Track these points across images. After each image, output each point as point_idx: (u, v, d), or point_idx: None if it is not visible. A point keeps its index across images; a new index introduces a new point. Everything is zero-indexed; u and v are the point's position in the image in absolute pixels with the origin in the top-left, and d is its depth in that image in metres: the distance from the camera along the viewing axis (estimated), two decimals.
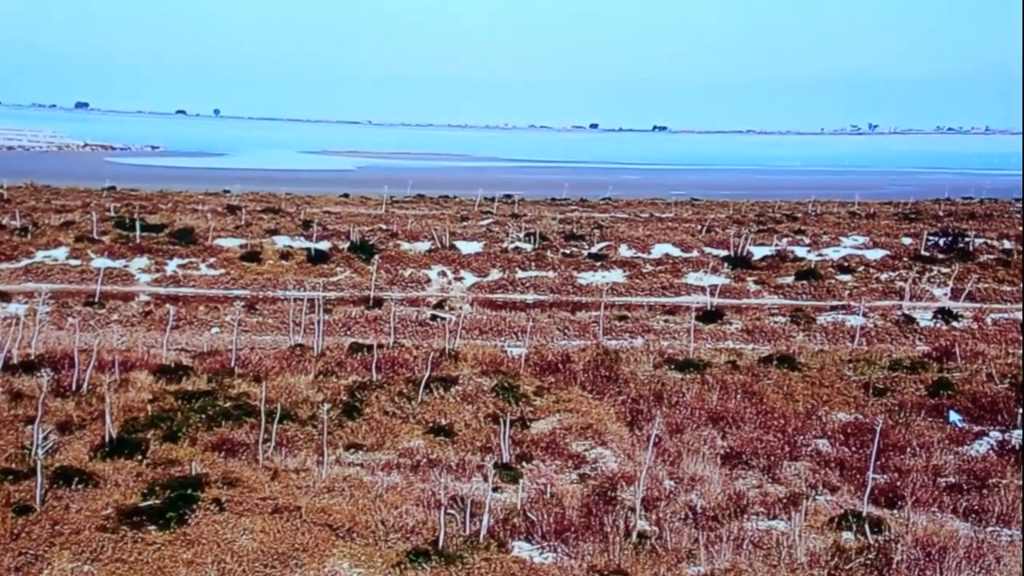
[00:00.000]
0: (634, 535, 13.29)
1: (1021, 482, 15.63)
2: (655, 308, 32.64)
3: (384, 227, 44.28)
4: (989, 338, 28.40)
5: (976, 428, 18.66)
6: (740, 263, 38.31)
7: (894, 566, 12.62)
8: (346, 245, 39.34)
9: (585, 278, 36.67)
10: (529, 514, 13.80)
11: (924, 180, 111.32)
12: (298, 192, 63.55)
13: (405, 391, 19.29)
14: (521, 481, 15.11)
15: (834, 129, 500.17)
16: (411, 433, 17.42)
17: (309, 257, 37.51)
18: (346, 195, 63.01)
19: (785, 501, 14.77)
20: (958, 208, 61.96)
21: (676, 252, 40.36)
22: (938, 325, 30.17)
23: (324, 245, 39.28)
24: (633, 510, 13.92)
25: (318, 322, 25.18)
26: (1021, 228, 47.06)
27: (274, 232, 41.71)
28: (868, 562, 12.84)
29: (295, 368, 21.37)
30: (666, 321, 30.33)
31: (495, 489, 14.60)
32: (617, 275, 37.13)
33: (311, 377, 20.54)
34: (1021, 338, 27.94)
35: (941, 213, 57.54)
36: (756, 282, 36.41)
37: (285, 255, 37.73)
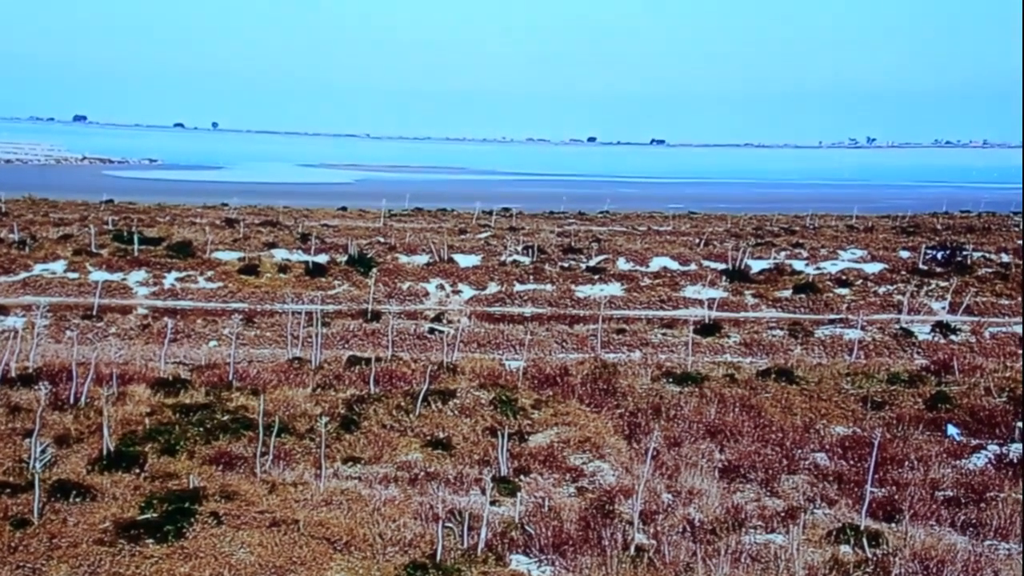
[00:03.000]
0: (632, 548, 13.28)
1: (1021, 495, 15.62)
2: (653, 321, 32.64)
3: (382, 240, 44.31)
4: (987, 352, 28.41)
5: (974, 442, 18.67)
6: (738, 276, 38.32)
7: None
8: (344, 258, 39.35)
9: (583, 291, 36.66)
10: (527, 527, 13.79)
11: (922, 193, 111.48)
12: (296, 205, 63.60)
13: (403, 404, 19.30)
14: (519, 494, 15.11)
15: (832, 142, 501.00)
16: (409, 446, 17.43)
17: (307, 270, 37.51)
18: (344, 208, 63.06)
19: (783, 515, 14.77)
20: (956, 222, 62.01)
21: (674, 265, 40.35)
22: (936, 339, 30.18)
23: (322, 258, 39.28)
24: (631, 523, 13.92)
25: (316, 335, 25.18)
26: (1021, 241, 47.05)
27: (272, 245, 41.71)
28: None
29: (293, 381, 21.38)
30: (664, 334, 30.33)
31: (493, 502, 14.60)
32: (615, 288, 37.13)
33: (309, 390, 20.55)
34: (1021, 351, 27.94)
35: (939, 227, 57.57)
36: (754, 295, 36.39)
37: (283, 268, 37.72)
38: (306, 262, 38.43)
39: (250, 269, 37.32)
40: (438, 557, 12.78)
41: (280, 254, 40.10)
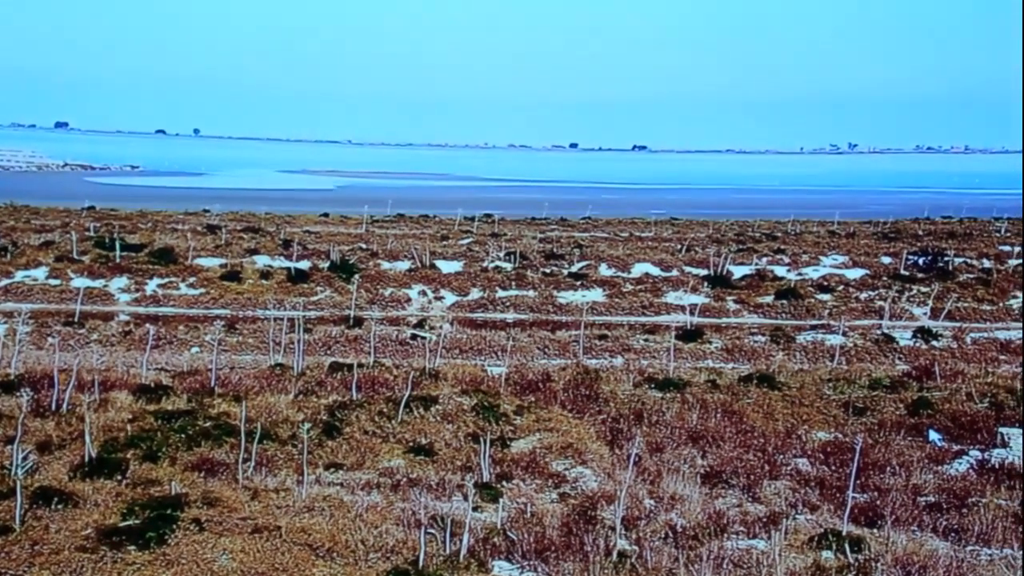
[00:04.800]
0: (614, 554, 13.29)
1: (1004, 501, 15.67)
2: (635, 327, 32.70)
3: (364, 246, 44.26)
4: (969, 357, 28.55)
5: (956, 447, 18.74)
6: (720, 282, 38.43)
7: None
8: (326, 264, 39.30)
9: (565, 297, 36.72)
10: (509, 533, 13.79)
11: (904, 199, 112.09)
12: (278, 211, 63.49)
13: (385, 410, 19.28)
14: (501, 500, 15.10)
15: (814, 148, 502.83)
16: (391, 452, 17.41)
17: (289, 276, 37.44)
18: (326, 214, 62.97)
19: (765, 520, 14.80)
20: (938, 227, 62.29)
21: (656, 271, 40.44)
22: (918, 344, 30.31)
23: (304, 264, 39.23)
24: (613, 529, 13.93)
25: (298, 341, 25.12)
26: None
27: (254, 251, 41.61)
28: None
29: (275, 388, 21.33)
30: (646, 340, 30.40)
31: (475, 508, 14.60)
32: (597, 294, 37.21)
33: (291, 397, 20.50)
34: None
35: (921, 232, 57.79)
36: (736, 301, 36.51)
37: (265, 274, 37.66)
38: (288, 268, 38.37)
39: (232, 275, 37.24)
40: (420, 563, 12.77)
41: (262, 260, 40.01)
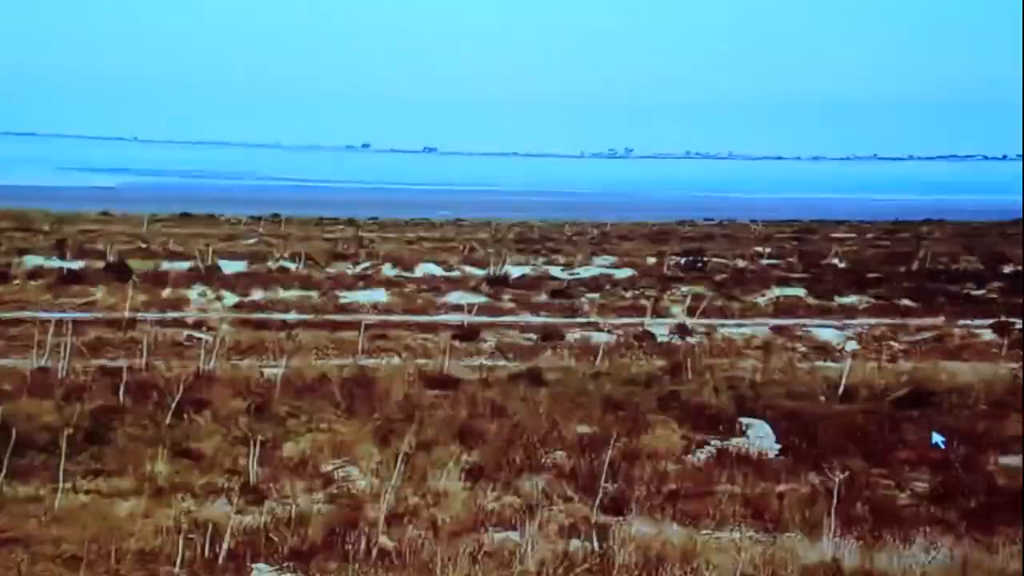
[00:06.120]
0: (374, 552, 13.69)
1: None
2: (414, 327, 33.14)
3: (143, 246, 43.43)
4: (717, 352, 29.96)
5: (698, 437, 19.87)
6: (498, 282, 39.38)
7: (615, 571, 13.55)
8: (102, 264, 38.37)
9: (348, 297, 36.93)
10: (271, 536, 14.02)
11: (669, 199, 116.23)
12: (55, 209, 61.44)
13: (153, 415, 19.14)
14: (266, 503, 15.30)
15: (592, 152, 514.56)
16: (156, 457, 17.31)
17: (61, 277, 36.37)
18: (107, 213, 61.35)
19: (522, 512, 15.48)
20: (699, 229, 65.78)
21: (439, 271, 41.17)
22: (674, 340, 31.65)
23: (78, 264, 38.19)
24: (375, 526, 14.33)
25: (66, 344, 24.46)
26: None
27: (25, 251, 40.31)
28: (593, 568, 13.69)
29: (37, 393, 20.80)
30: (424, 340, 30.89)
31: (239, 512, 14.75)
32: (380, 294, 37.58)
33: (54, 402, 20.07)
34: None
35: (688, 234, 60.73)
36: (512, 301, 37.48)
37: (35, 275, 36.46)
38: (61, 268, 37.28)
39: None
40: (177, 568, 12.87)
41: (33, 260, 38.77)
